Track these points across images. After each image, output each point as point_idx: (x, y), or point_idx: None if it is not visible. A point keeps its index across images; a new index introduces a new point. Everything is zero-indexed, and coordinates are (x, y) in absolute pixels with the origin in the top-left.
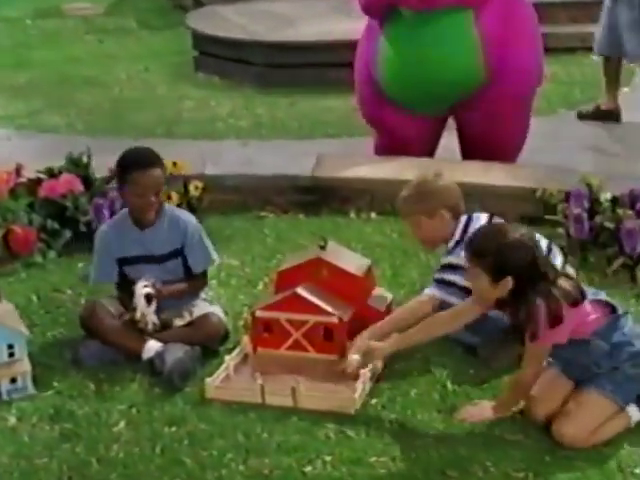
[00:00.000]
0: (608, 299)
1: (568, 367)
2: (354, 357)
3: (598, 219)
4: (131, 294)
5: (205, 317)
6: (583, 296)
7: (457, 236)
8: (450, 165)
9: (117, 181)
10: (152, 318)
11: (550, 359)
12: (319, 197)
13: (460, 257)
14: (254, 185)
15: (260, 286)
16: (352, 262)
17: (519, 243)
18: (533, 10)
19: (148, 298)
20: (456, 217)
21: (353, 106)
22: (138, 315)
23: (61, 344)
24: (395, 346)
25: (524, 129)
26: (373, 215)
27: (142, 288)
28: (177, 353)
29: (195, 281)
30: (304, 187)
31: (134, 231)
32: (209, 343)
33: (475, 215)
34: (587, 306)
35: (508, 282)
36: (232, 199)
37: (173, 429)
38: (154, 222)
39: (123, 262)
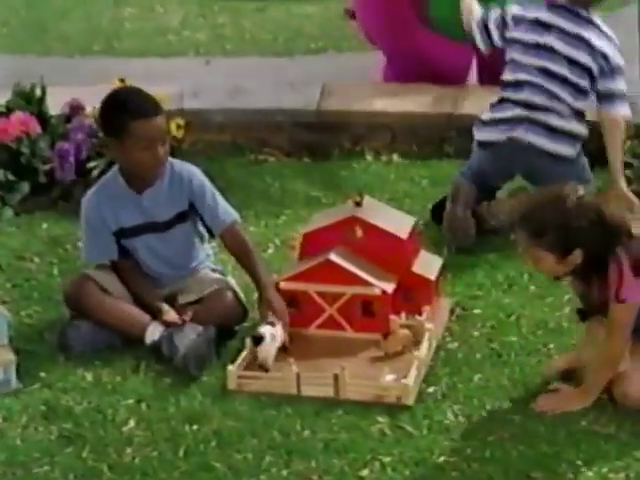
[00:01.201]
0: None
1: None
2: (404, 333)
3: None
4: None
5: (218, 293)
6: None
7: None
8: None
9: (106, 132)
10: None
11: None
12: (328, 136)
13: None
14: (246, 122)
15: (271, 249)
16: (394, 221)
17: (582, 208)
18: None
19: (256, 340)
20: None
21: (336, 12)
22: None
23: (40, 326)
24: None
25: None
26: (395, 157)
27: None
28: (189, 335)
29: (245, 250)
30: (308, 124)
31: (129, 195)
32: (224, 324)
33: None
34: None
35: (577, 256)
36: (220, 140)
37: (195, 427)
38: (152, 181)
39: (120, 235)
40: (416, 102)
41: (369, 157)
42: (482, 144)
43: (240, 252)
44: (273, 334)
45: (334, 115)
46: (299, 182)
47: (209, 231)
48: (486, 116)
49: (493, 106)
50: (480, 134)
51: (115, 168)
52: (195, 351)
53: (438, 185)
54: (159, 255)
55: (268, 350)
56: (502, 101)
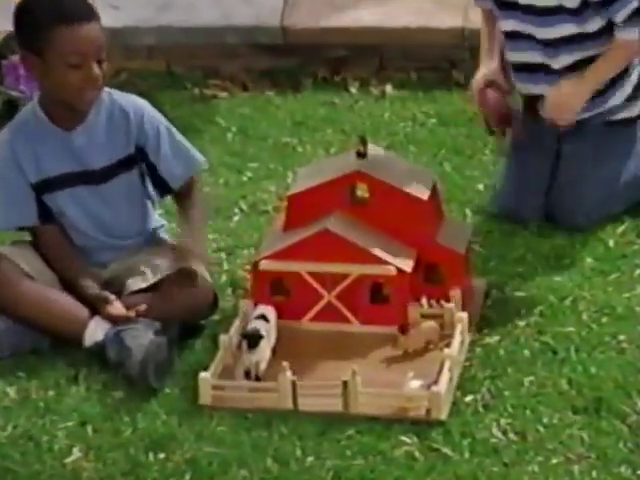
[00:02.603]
0: None
1: None
2: (428, 324)
3: None
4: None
5: (180, 277)
6: None
7: None
8: None
9: (23, 45)
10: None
11: None
12: (296, 62)
13: None
14: (185, 44)
15: (236, 216)
16: (410, 176)
17: None
18: None
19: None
20: None
21: None
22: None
23: None
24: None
25: None
26: (389, 89)
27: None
28: (145, 333)
29: (192, 206)
30: (270, 46)
31: (54, 134)
32: (189, 318)
33: None
34: None
35: None
36: (150, 68)
37: (161, 456)
38: (86, 115)
39: (42, 188)
40: (414, 13)
41: (353, 89)
42: None
43: (193, 212)
44: (268, 331)
45: (304, 34)
46: (262, 125)
47: (159, 188)
48: None
49: None
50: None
51: (34, 100)
52: (154, 355)
53: (450, 125)
54: (94, 216)
55: (262, 352)
56: None
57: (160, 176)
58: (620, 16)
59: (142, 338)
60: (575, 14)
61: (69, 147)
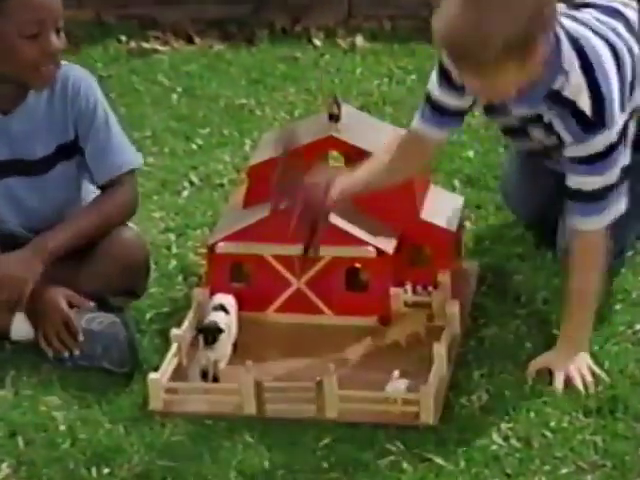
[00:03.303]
0: None
1: None
2: (413, 314)
3: None
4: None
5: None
6: None
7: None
8: None
9: None
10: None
11: None
12: (249, 9)
13: None
14: None
15: (186, 191)
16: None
17: None
18: None
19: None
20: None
21: None
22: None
23: None
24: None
25: None
26: (360, 41)
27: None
28: (94, 317)
29: (101, 202)
30: None
31: None
32: (127, 284)
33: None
34: None
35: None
36: (75, 18)
37: (106, 471)
38: (26, 96)
39: None
40: None
41: (317, 41)
42: None
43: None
44: (228, 325)
45: None
46: (212, 84)
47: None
48: None
49: None
50: None
51: None
52: (116, 345)
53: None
54: (22, 209)
55: (222, 349)
56: None
57: (86, 164)
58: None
59: (94, 322)
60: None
61: (6, 132)
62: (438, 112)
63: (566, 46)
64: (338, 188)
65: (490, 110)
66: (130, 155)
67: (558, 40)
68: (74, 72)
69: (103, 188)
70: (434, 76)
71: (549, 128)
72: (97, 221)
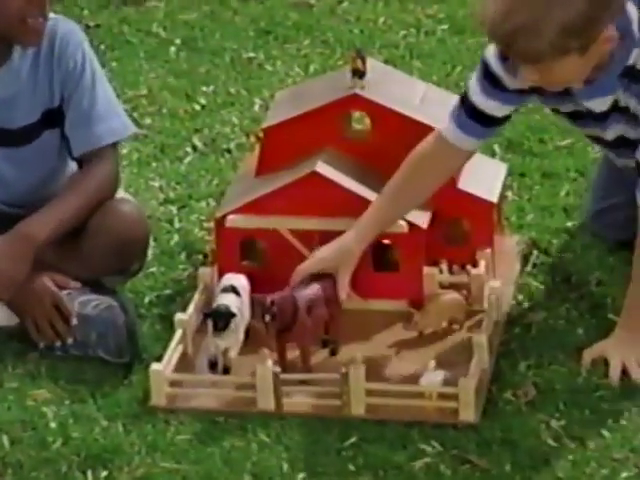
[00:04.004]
0: None
1: None
2: (450, 298)
3: None
4: None
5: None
6: None
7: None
8: None
9: None
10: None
11: None
12: None
13: None
14: None
15: (189, 157)
16: (422, 101)
17: None
18: None
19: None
20: None
21: None
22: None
23: None
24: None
25: None
26: None
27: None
28: (88, 300)
29: (80, 182)
30: None
31: None
32: (123, 263)
33: None
34: None
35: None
36: None
37: (103, 475)
38: (11, 54)
39: None
40: None
41: None
42: None
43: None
44: (240, 308)
45: None
46: (216, 36)
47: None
48: None
49: None
50: None
51: None
52: (115, 331)
53: (466, 33)
54: (6, 185)
55: (234, 336)
56: None
57: (64, 132)
58: None
59: (90, 306)
60: None
61: None
62: (476, 119)
63: (635, 13)
64: (351, 264)
65: (574, 116)
66: (116, 123)
67: (624, 10)
68: (62, 27)
69: (81, 162)
70: (475, 78)
71: (631, 115)
72: (80, 204)
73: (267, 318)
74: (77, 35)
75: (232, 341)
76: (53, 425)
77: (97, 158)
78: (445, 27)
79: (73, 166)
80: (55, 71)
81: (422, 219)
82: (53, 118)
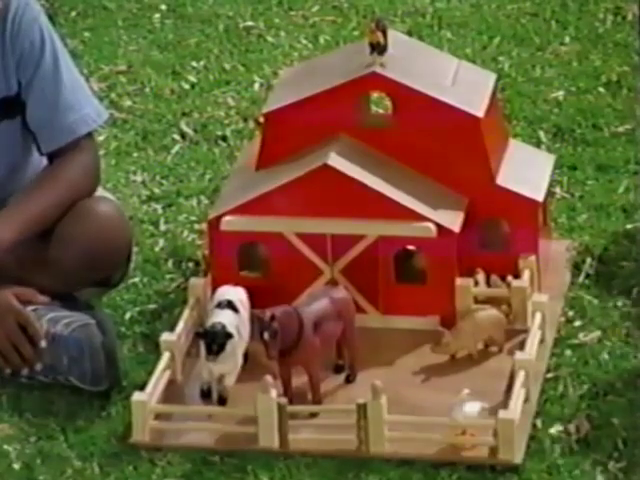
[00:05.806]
0: None
1: None
2: (487, 314)
3: None
4: None
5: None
6: None
7: None
8: None
9: None
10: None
11: None
12: None
13: None
14: None
15: (177, 146)
16: (454, 80)
17: None
18: None
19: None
20: None
21: None
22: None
23: None
24: None
25: None
26: None
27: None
28: (58, 317)
29: (52, 179)
30: None
31: None
32: (100, 273)
33: None
34: None
35: None
36: None
37: None
38: None
39: None
40: None
41: None
42: None
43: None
44: (238, 328)
45: None
46: (207, 1)
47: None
48: None
49: None
50: None
51: None
52: (87, 346)
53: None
54: None
55: (230, 360)
56: None
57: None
58: None
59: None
60: None
61: None
62: None
63: None
64: None
65: None
66: (87, 109)
67: None
68: (14, 1)
69: (51, 157)
70: None
71: None
72: (50, 201)
73: (266, 336)
74: (32, 9)
75: (229, 366)
76: (16, 466)
77: (71, 151)
78: None
79: (43, 161)
80: (9, 53)
81: (453, 221)
82: (11, 108)
